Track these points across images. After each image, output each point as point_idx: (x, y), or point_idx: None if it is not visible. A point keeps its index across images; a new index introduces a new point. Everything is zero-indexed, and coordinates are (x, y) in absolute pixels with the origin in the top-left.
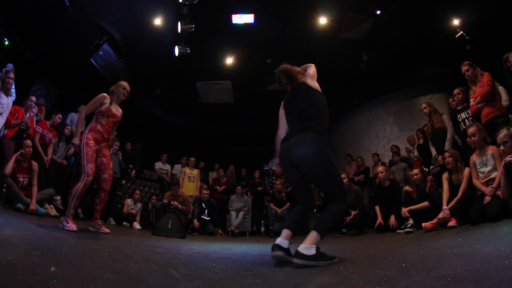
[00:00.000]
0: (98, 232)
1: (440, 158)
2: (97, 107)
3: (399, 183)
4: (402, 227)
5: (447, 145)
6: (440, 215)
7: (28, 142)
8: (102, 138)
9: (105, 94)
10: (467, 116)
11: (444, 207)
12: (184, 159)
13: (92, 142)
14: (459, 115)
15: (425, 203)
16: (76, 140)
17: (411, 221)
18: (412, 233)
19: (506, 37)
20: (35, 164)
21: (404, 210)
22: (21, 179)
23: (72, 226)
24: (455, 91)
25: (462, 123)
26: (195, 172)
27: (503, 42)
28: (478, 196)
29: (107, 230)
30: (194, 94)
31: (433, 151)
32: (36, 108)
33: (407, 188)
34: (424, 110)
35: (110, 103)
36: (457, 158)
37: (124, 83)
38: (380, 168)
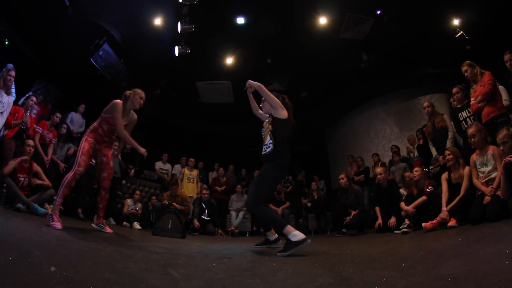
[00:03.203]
0: (98, 232)
1: (440, 158)
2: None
3: (397, 184)
4: (400, 227)
5: (448, 144)
6: (439, 218)
7: (30, 141)
8: (102, 139)
9: (120, 102)
10: (469, 115)
11: (444, 208)
12: (183, 159)
13: (92, 140)
14: (460, 113)
15: (423, 198)
16: (142, 150)
17: (407, 222)
18: (412, 233)
19: (506, 37)
20: (36, 165)
21: (408, 208)
22: (22, 179)
23: (57, 224)
24: (454, 90)
25: (463, 122)
26: (195, 173)
27: (503, 42)
28: (478, 196)
29: (110, 231)
30: (194, 94)
31: (433, 151)
32: (36, 107)
33: (402, 190)
34: (428, 109)
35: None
36: (458, 155)
37: (142, 93)
38: (379, 170)
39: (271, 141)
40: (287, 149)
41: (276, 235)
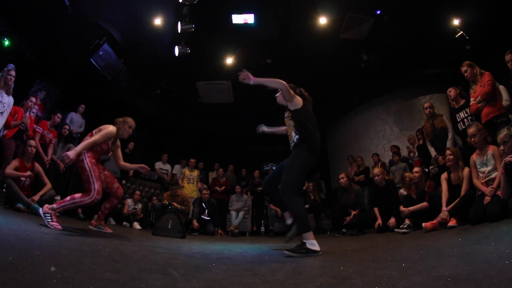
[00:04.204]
0: (98, 232)
1: (440, 158)
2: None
3: (395, 184)
4: (401, 226)
5: (449, 144)
6: (439, 218)
7: (32, 142)
8: (99, 157)
9: (114, 132)
10: (466, 115)
11: (444, 208)
12: (183, 161)
13: (94, 160)
14: (457, 114)
15: (424, 204)
16: (72, 154)
17: (407, 222)
18: (412, 233)
19: (506, 37)
20: (37, 165)
21: (405, 209)
22: (23, 179)
23: (57, 224)
24: (448, 90)
25: (461, 122)
26: (195, 173)
27: (503, 42)
28: (478, 196)
29: (110, 231)
30: (194, 94)
31: (432, 152)
32: (36, 108)
33: (402, 191)
34: (429, 109)
35: (114, 140)
36: (458, 156)
37: (132, 122)
38: (376, 171)
39: (297, 137)
40: (315, 132)
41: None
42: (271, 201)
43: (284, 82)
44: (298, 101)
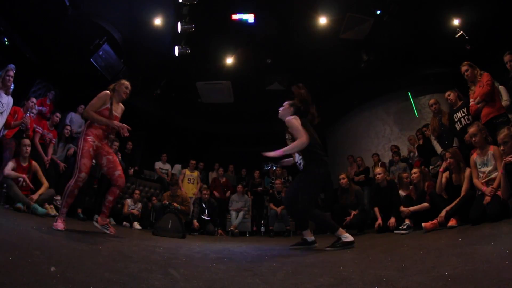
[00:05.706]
0: (98, 232)
1: (447, 154)
2: (101, 105)
3: (396, 184)
4: (401, 227)
5: (455, 142)
6: (439, 218)
7: (26, 141)
8: (104, 135)
9: (108, 92)
10: (463, 115)
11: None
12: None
13: (91, 137)
14: (455, 114)
15: (425, 204)
16: (117, 123)
17: (407, 222)
18: (412, 233)
19: (506, 37)
20: (34, 164)
21: (405, 209)
22: (20, 180)
23: (59, 225)
24: (447, 94)
25: (458, 122)
26: (195, 174)
27: (503, 42)
28: (478, 196)
29: (113, 232)
30: (194, 94)
31: (438, 148)
32: (36, 108)
33: (400, 191)
34: (435, 105)
35: (111, 103)
36: (459, 158)
37: (126, 82)
38: (378, 170)
39: (300, 157)
40: (318, 149)
41: (313, 237)
42: (295, 221)
43: (302, 142)
44: (305, 135)
